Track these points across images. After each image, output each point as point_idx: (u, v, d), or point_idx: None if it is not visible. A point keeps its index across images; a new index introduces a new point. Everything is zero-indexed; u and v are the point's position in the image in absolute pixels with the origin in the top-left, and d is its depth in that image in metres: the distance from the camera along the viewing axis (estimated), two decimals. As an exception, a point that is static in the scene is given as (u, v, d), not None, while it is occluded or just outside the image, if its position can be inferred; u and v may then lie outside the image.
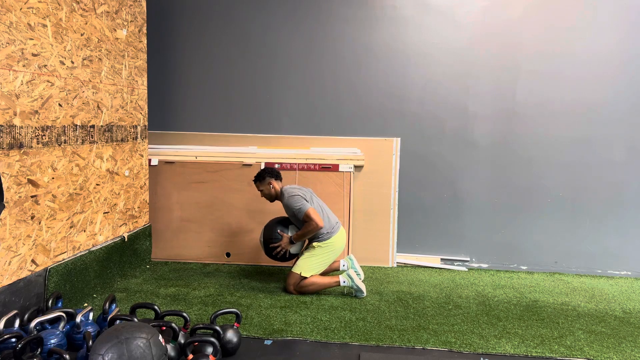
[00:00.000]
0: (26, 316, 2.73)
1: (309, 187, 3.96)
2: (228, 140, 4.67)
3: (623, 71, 4.30)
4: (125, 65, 3.93)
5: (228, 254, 4.48)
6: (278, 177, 3.81)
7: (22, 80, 2.84)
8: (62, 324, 2.66)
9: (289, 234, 3.72)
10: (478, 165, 4.50)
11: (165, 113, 4.75)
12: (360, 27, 4.52)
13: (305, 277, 3.63)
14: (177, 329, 2.56)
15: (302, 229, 3.66)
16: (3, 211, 2.69)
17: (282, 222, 3.81)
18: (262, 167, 4.38)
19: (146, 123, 4.32)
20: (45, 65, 3.02)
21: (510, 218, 4.50)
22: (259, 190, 3.84)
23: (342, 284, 3.64)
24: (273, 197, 3.81)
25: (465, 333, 3.09)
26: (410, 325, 3.18)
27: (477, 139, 4.48)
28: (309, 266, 3.66)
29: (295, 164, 4.39)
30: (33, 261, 2.99)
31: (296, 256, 3.80)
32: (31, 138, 2.92)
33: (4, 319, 2.52)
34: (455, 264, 4.56)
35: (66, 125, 3.23)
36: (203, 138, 4.70)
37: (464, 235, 4.56)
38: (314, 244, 3.71)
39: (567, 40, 4.33)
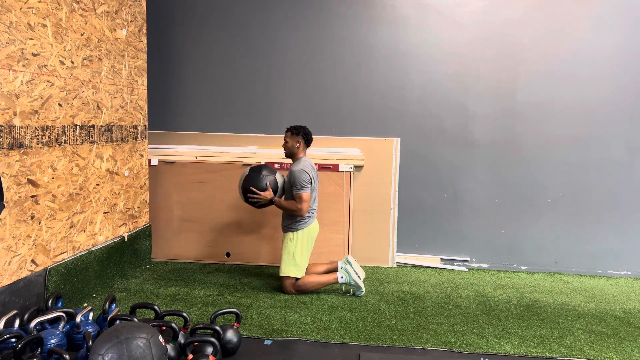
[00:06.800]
0: (26, 316, 2.73)
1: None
2: (228, 140, 4.67)
3: (623, 71, 4.30)
4: (125, 65, 3.93)
5: (228, 254, 4.48)
6: (308, 143, 3.81)
7: (22, 80, 2.84)
8: (62, 324, 2.65)
9: (273, 195, 3.71)
10: (478, 165, 4.50)
11: (165, 113, 4.75)
12: (360, 27, 4.52)
13: (299, 278, 3.65)
14: (177, 329, 2.56)
15: (287, 203, 3.66)
16: (3, 211, 2.68)
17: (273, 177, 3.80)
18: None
19: (146, 123, 4.32)
20: (45, 65, 3.02)
21: (510, 218, 4.50)
22: (285, 139, 3.80)
23: (339, 280, 3.66)
24: (291, 154, 3.80)
25: (465, 333, 3.09)
26: (410, 325, 3.18)
27: (477, 139, 4.48)
28: (295, 266, 3.66)
29: (295, 164, 4.39)
30: (33, 261, 2.99)
31: (264, 208, 3.80)
32: (31, 138, 2.92)
33: (4, 319, 2.52)
34: (455, 264, 4.56)
35: (66, 125, 3.23)
36: (203, 138, 4.70)
37: (464, 235, 4.56)
38: (290, 235, 3.70)
39: (567, 40, 4.33)
